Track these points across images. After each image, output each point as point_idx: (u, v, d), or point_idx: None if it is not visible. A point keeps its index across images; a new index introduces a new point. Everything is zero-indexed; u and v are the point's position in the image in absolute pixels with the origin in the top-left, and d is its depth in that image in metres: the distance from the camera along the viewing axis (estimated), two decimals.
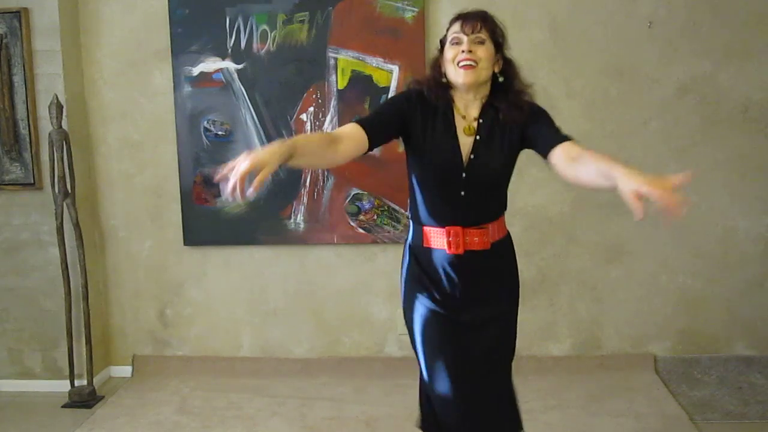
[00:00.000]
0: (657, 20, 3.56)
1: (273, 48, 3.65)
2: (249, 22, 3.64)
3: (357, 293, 3.82)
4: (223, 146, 3.74)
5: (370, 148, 2.05)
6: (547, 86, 3.62)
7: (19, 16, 3.53)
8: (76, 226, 3.57)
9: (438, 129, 2.11)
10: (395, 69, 3.61)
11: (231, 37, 3.66)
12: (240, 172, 1.57)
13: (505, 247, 2.23)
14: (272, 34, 3.65)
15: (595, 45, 3.60)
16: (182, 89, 3.71)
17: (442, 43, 2.16)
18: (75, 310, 3.65)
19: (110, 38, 3.75)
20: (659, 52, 3.58)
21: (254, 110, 3.70)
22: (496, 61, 2.11)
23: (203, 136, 3.74)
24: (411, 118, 2.10)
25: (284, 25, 3.64)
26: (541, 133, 2.08)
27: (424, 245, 2.15)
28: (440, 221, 2.11)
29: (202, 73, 3.69)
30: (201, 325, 3.93)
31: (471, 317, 2.16)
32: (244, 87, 3.69)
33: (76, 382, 3.65)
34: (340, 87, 3.65)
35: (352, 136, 1.99)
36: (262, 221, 3.77)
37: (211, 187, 3.76)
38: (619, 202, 3.93)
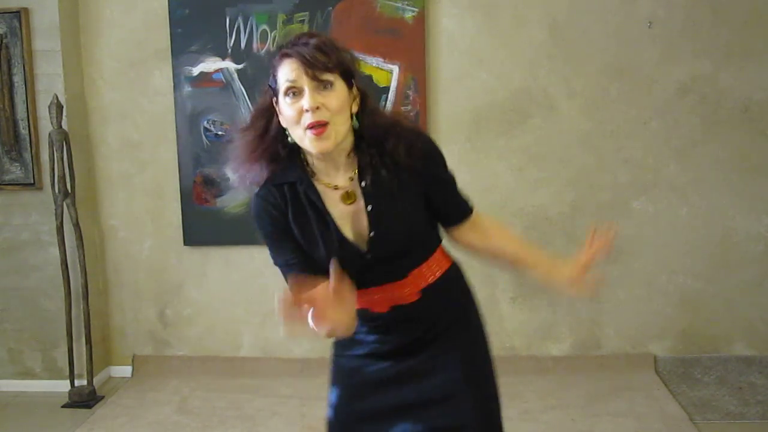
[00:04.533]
0: (657, 20, 3.56)
1: (273, 48, 3.65)
2: (249, 22, 3.64)
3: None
4: (223, 146, 3.73)
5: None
6: (547, 86, 3.63)
7: (19, 16, 3.53)
8: (76, 226, 3.57)
9: (310, 223, 1.61)
10: (395, 69, 3.61)
11: (231, 37, 3.66)
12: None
13: (447, 287, 1.72)
14: (272, 34, 3.65)
15: (595, 45, 3.60)
16: (182, 89, 3.71)
17: (273, 88, 1.56)
18: (75, 310, 3.65)
19: (110, 38, 3.75)
20: (659, 52, 3.58)
21: None
22: (353, 99, 1.58)
23: (203, 136, 3.74)
24: (288, 229, 1.66)
25: (284, 25, 3.63)
26: (445, 200, 1.69)
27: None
28: (358, 286, 1.60)
29: (202, 73, 3.69)
30: (201, 325, 3.93)
31: (407, 394, 1.70)
32: (244, 87, 3.69)
33: (76, 382, 3.65)
34: None
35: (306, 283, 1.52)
36: None
37: (211, 187, 3.76)
38: (619, 202, 3.95)
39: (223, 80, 3.69)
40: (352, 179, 1.62)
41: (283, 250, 1.67)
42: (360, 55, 3.61)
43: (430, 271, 1.69)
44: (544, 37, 3.59)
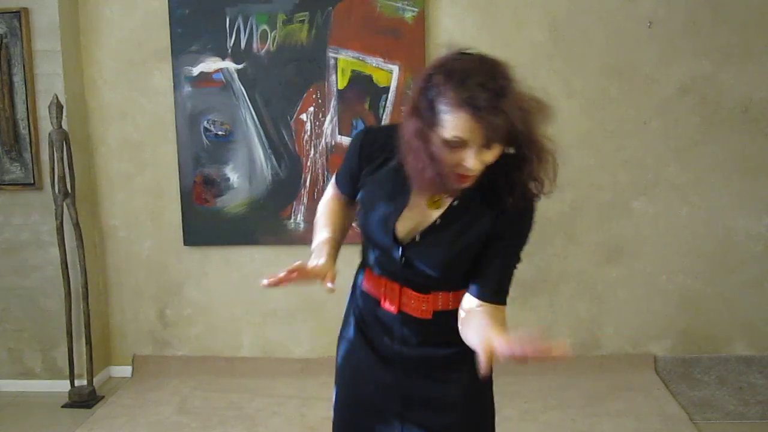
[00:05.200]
0: (657, 20, 3.56)
1: (273, 48, 3.65)
2: (249, 22, 3.64)
3: None
4: (223, 146, 3.74)
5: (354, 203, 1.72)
6: (547, 86, 3.61)
7: (19, 16, 3.53)
8: (76, 226, 3.57)
9: (384, 186, 1.60)
10: (395, 69, 3.61)
11: (231, 37, 3.66)
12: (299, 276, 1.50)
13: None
14: (272, 34, 3.65)
15: (595, 45, 3.60)
16: (182, 89, 3.71)
17: (430, 118, 1.42)
18: (75, 310, 3.65)
19: (110, 38, 3.75)
20: (659, 52, 3.58)
21: (254, 110, 3.70)
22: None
23: (203, 136, 3.74)
24: (358, 176, 1.66)
25: (284, 25, 3.63)
26: (487, 266, 1.57)
27: (362, 286, 1.75)
28: (378, 270, 1.68)
29: (202, 73, 3.69)
30: (201, 325, 3.93)
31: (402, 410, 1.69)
32: (244, 87, 3.69)
33: (76, 382, 3.65)
34: (340, 87, 3.65)
35: (346, 200, 1.75)
36: (262, 221, 3.77)
37: (211, 186, 3.76)
38: (619, 202, 3.94)
39: (223, 80, 3.69)
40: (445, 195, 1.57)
41: (347, 170, 1.70)
42: (360, 55, 3.62)
43: (451, 301, 1.64)
44: (544, 37, 3.59)
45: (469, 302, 1.56)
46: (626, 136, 3.64)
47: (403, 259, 1.59)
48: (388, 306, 1.66)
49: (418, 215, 1.58)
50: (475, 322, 1.52)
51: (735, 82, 3.58)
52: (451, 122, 1.38)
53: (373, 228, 1.61)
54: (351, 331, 1.78)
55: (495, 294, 1.57)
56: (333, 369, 1.93)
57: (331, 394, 1.90)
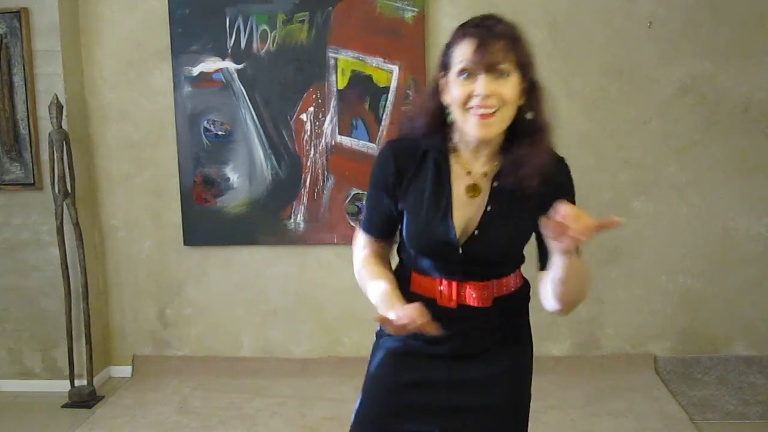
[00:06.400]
0: (657, 20, 3.56)
1: (273, 48, 3.65)
2: (249, 22, 3.64)
3: (357, 293, 3.77)
4: (223, 146, 3.74)
5: (393, 242, 1.74)
6: (547, 86, 3.62)
7: (19, 16, 3.53)
8: (76, 226, 3.57)
9: (425, 190, 1.60)
10: (395, 69, 3.61)
11: (231, 37, 3.66)
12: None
13: (515, 304, 1.72)
14: (272, 34, 3.65)
15: (595, 45, 3.60)
16: (182, 89, 3.71)
17: (445, 63, 1.55)
18: (75, 310, 3.65)
19: (110, 38, 3.75)
20: (659, 52, 3.58)
21: (254, 110, 3.70)
22: (522, 92, 1.56)
23: (203, 136, 3.74)
24: (396, 190, 1.64)
25: (284, 25, 3.63)
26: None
27: (411, 289, 1.69)
28: (432, 273, 1.67)
29: (202, 73, 3.69)
30: (201, 325, 3.93)
31: (448, 399, 1.67)
32: (244, 87, 3.69)
33: (76, 382, 3.65)
34: (340, 87, 3.65)
35: (378, 251, 1.74)
36: (262, 221, 3.77)
37: (211, 186, 3.76)
38: (619, 202, 3.94)
39: (223, 80, 3.69)
40: (485, 175, 1.60)
41: (376, 205, 1.69)
42: (360, 55, 3.62)
43: (508, 285, 1.68)
44: (544, 37, 3.59)
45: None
46: (626, 136, 3.64)
47: (464, 256, 1.59)
48: (447, 302, 1.64)
49: (466, 211, 1.59)
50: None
51: (735, 82, 3.58)
52: (458, 54, 1.50)
53: (424, 233, 1.61)
54: (391, 341, 1.75)
55: None
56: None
57: (343, 395, 1.88)
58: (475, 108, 1.49)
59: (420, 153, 1.62)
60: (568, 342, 3.80)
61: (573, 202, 1.56)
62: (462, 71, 1.50)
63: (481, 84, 1.48)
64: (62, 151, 3.50)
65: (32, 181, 3.64)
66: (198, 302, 3.92)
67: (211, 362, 3.91)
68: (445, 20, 3.61)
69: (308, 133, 3.69)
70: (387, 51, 3.60)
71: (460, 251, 1.59)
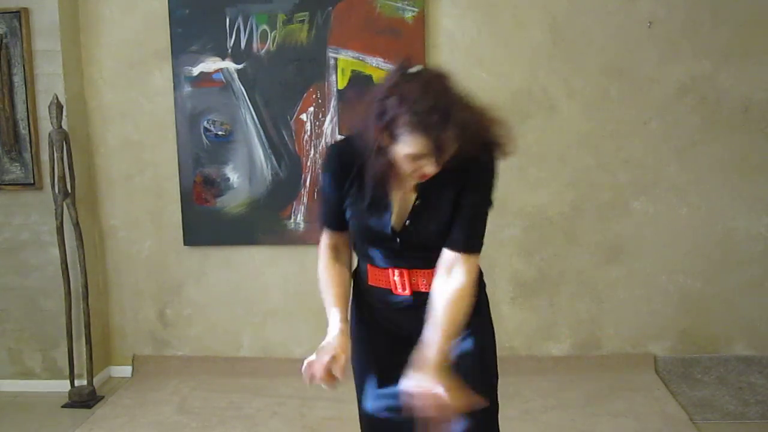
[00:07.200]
0: (657, 20, 3.56)
1: (273, 48, 3.65)
2: (249, 22, 3.64)
3: None
4: (223, 146, 3.74)
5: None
6: (547, 86, 3.63)
7: (19, 16, 3.53)
8: (76, 226, 3.57)
9: (366, 187, 1.75)
10: None
11: (231, 37, 3.66)
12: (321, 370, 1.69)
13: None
14: (272, 34, 3.65)
15: (595, 45, 3.60)
16: (182, 89, 3.71)
17: (387, 123, 1.60)
18: (75, 310, 3.65)
19: (110, 38, 3.75)
20: (659, 52, 3.58)
21: (254, 110, 3.70)
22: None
23: (203, 136, 3.74)
24: (341, 188, 1.80)
25: (284, 25, 3.64)
26: (460, 214, 1.73)
27: (369, 283, 1.88)
28: (382, 263, 1.84)
29: (202, 73, 3.69)
30: (201, 325, 3.93)
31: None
32: (244, 87, 3.69)
33: (76, 382, 3.65)
34: (340, 87, 3.65)
35: (338, 242, 1.89)
36: (262, 221, 3.77)
37: (211, 186, 3.76)
38: (619, 202, 3.95)
39: (223, 80, 3.69)
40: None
41: (328, 199, 1.84)
42: (360, 55, 3.62)
43: None
44: (544, 37, 3.59)
45: (444, 256, 1.74)
46: (626, 136, 3.64)
47: (403, 244, 1.77)
48: (401, 291, 1.82)
49: (401, 204, 1.77)
50: (436, 300, 1.72)
51: (735, 82, 3.58)
52: (409, 142, 1.58)
53: (366, 225, 1.79)
54: (365, 317, 1.94)
55: (467, 240, 1.75)
56: None
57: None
58: (421, 174, 1.65)
59: (361, 153, 1.72)
60: (568, 342, 3.80)
61: (484, 193, 1.74)
62: (408, 156, 1.61)
63: (431, 166, 1.62)
64: (62, 151, 3.50)
65: (32, 181, 3.64)
66: (198, 302, 3.92)
67: (210, 362, 3.91)
68: (445, 20, 3.61)
69: (308, 133, 3.69)
70: (387, 51, 3.60)
71: (398, 240, 1.77)
